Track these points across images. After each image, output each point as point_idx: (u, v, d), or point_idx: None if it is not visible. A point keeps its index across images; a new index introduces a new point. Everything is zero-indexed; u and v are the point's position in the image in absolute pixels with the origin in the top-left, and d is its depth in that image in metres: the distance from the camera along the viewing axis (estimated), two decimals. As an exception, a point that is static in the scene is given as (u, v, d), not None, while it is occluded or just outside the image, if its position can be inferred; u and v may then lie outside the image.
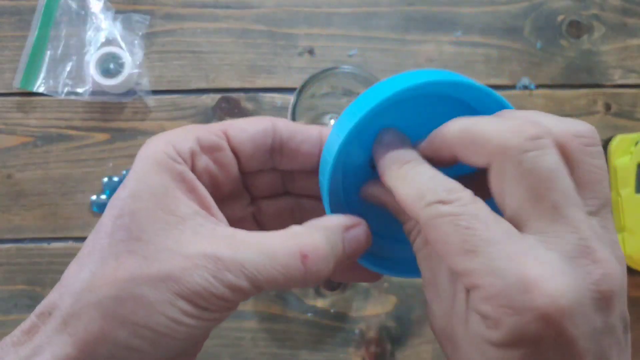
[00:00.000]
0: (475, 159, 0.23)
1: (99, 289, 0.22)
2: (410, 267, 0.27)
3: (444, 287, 0.23)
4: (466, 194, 0.22)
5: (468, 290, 0.21)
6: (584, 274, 0.20)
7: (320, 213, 0.26)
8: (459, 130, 0.23)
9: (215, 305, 0.22)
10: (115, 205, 0.24)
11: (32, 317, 0.23)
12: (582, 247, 0.20)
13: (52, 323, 0.22)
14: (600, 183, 0.22)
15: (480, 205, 0.21)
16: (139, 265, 0.22)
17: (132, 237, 0.22)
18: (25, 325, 0.23)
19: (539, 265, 0.20)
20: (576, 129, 0.22)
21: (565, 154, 0.22)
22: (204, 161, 0.25)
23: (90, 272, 0.22)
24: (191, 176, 0.24)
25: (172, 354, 0.23)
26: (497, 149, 0.21)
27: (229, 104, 0.55)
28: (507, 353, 0.20)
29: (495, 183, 0.22)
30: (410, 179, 0.23)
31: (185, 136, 0.25)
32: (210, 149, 0.25)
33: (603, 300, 0.20)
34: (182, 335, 0.22)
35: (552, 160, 0.21)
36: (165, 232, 0.22)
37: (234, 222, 0.26)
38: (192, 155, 0.25)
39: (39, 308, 0.23)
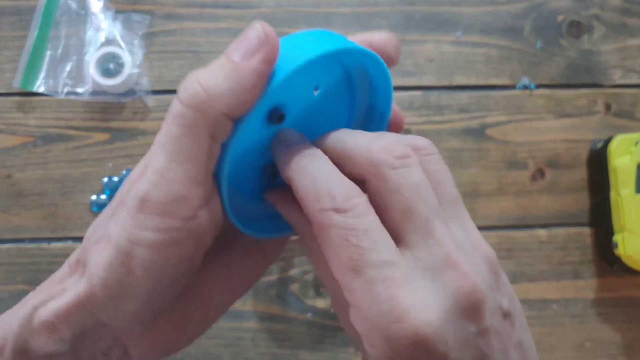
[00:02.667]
0: (351, 171, 0.24)
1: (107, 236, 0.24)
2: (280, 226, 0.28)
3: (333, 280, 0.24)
4: (361, 200, 0.23)
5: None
6: (451, 290, 0.22)
7: None
8: (335, 141, 0.25)
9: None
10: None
11: (64, 266, 0.26)
12: (446, 261, 0.22)
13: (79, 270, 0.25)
14: (443, 183, 0.24)
15: (371, 218, 0.23)
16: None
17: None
18: (58, 273, 0.26)
19: (411, 292, 0.21)
20: (415, 142, 0.25)
21: None
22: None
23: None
24: None
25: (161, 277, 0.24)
26: (369, 165, 0.24)
27: (229, 104, 0.55)
28: None
29: (372, 197, 0.24)
30: (309, 172, 0.24)
31: None
32: None
33: (471, 310, 0.22)
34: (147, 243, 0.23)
35: (418, 176, 0.23)
36: None
37: None
38: None
39: (72, 257, 0.26)
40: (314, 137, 0.27)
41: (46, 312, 0.24)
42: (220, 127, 0.23)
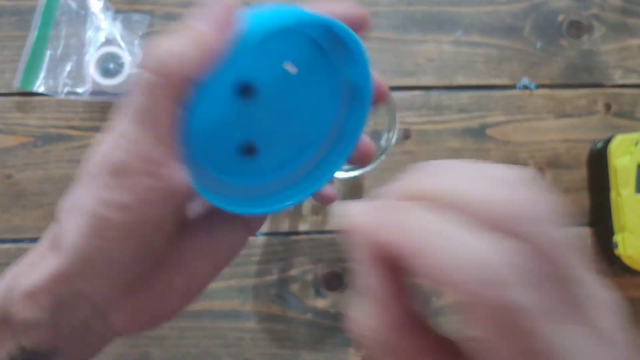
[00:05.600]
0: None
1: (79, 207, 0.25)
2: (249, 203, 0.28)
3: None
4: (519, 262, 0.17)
5: None
6: None
7: None
8: (448, 190, 0.19)
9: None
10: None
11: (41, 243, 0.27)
12: None
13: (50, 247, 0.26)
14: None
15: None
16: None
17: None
18: (39, 247, 0.27)
19: None
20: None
21: None
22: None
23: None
24: None
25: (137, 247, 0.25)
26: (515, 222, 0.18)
27: (229, 104, 0.55)
28: None
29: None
30: (445, 237, 0.18)
31: None
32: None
33: None
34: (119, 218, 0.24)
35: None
36: None
37: None
38: None
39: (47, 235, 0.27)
40: (296, 116, 0.27)
41: (26, 281, 0.25)
42: (182, 90, 0.23)
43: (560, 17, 0.58)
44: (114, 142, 0.24)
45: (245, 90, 0.27)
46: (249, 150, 0.29)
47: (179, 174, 0.24)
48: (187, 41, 0.23)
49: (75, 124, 0.55)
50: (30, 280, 0.25)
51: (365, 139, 0.30)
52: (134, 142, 0.23)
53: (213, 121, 0.27)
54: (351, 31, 0.27)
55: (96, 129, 0.55)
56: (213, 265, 0.28)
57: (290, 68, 0.28)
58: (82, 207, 0.24)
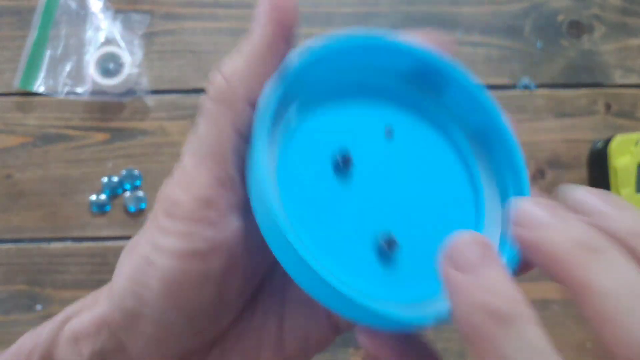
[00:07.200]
0: None
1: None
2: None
3: None
4: None
5: None
6: None
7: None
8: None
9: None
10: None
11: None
12: None
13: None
14: None
15: None
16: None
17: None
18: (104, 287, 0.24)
19: None
20: None
21: None
22: None
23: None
24: None
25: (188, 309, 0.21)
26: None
27: (229, 104, 0.55)
28: None
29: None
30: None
31: None
32: None
33: None
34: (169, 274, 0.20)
35: None
36: None
37: None
38: None
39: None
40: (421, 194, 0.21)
41: (72, 325, 0.23)
42: (245, 118, 0.20)
43: (560, 17, 0.58)
44: (175, 180, 0.21)
45: (343, 163, 0.21)
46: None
47: (245, 228, 0.21)
48: (244, 55, 0.21)
49: (75, 124, 0.55)
50: (77, 323, 0.23)
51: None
52: (194, 182, 0.20)
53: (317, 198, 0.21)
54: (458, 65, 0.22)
55: (96, 129, 0.55)
56: (281, 356, 0.23)
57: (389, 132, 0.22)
58: (135, 249, 0.21)
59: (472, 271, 0.16)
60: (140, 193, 0.53)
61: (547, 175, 0.56)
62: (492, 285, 0.16)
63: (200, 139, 0.21)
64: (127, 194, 0.53)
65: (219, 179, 0.20)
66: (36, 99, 0.55)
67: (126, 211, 0.53)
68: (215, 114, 0.20)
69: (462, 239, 0.17)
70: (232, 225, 0.20)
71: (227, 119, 0.20)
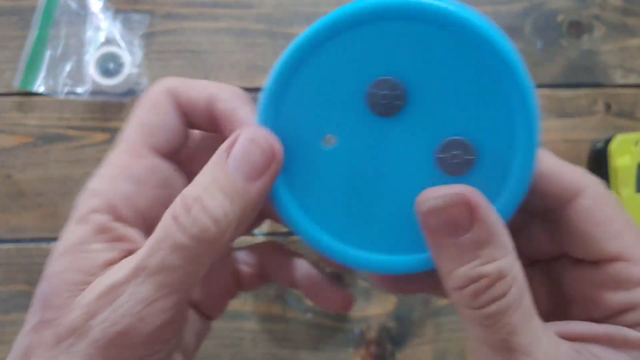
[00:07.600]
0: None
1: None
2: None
3: None
4: None
5: None
6: None
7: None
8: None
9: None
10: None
11: None
12: None
13: None
14: None
15: None
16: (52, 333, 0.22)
17: (45, 306, 0.23)
18: None
19: None
20: None
21: None
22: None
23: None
24: (115, 225, 0.24)
25: None
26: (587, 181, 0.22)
27: (229, 104, 0.55)
28: None
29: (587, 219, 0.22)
30: None
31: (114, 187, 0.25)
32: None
33: None
34: None
35: None
36: (70, 293, 0.23)
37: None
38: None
39: None
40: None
41: None
42: (224, 250, 0.22)
43: (560, 17, 0.58)
44: (132, 308, 0.21)
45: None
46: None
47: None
48: (231, 200, 0.20)
49: (75, 124, 0.55)
50: None
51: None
52: (158, 313, 0.21)
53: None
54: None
55: (96, 129, 0.55)
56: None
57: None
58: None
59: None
60: (140, 193, 0.53)
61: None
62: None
63: (168, 270, 0.21)
64: (127, 194, 0.53)
65: (183, 304, 0.22)
66: (36, 99, 0.55)
67: (126, 211, 0.53)
68: (196, 253, 0.21)
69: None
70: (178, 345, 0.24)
71: (208, 255, 0.21)
